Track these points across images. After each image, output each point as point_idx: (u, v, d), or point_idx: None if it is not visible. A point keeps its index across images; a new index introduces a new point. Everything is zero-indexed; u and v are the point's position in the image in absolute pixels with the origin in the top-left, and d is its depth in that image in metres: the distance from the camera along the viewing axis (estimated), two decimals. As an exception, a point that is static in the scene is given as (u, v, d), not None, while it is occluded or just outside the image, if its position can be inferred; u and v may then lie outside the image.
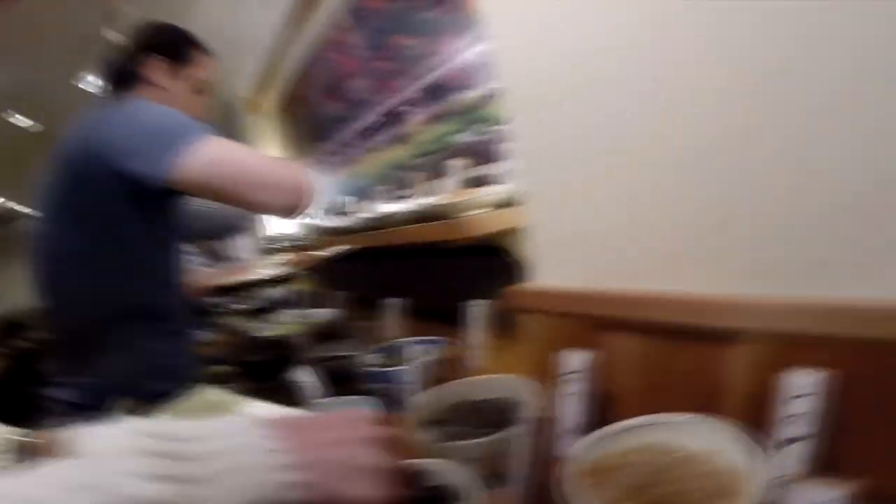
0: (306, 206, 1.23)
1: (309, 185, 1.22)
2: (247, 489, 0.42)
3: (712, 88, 0.77)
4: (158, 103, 1.33)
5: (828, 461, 0.69)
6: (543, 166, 1.06)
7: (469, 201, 1.36)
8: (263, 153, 1.26)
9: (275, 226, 3.03)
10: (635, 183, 0.89)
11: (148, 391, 1.20)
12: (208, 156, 1.14)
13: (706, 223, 0.81)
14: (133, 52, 1.46)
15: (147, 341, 1.34)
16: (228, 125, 5.08)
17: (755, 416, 0.77)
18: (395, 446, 0.56)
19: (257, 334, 2.23)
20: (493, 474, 0.86)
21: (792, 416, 0.69)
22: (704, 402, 0.84)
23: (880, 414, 0.66)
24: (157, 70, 1.44)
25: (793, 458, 0.69)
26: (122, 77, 1.44)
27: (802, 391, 0.68)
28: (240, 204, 1.19)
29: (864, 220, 0.65)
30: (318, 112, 3.48)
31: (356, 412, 0.60)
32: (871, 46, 0.61)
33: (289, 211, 1.22)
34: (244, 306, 3.05)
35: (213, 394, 1.27)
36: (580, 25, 0.92)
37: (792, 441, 0.70)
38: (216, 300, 3.44)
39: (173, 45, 1.50)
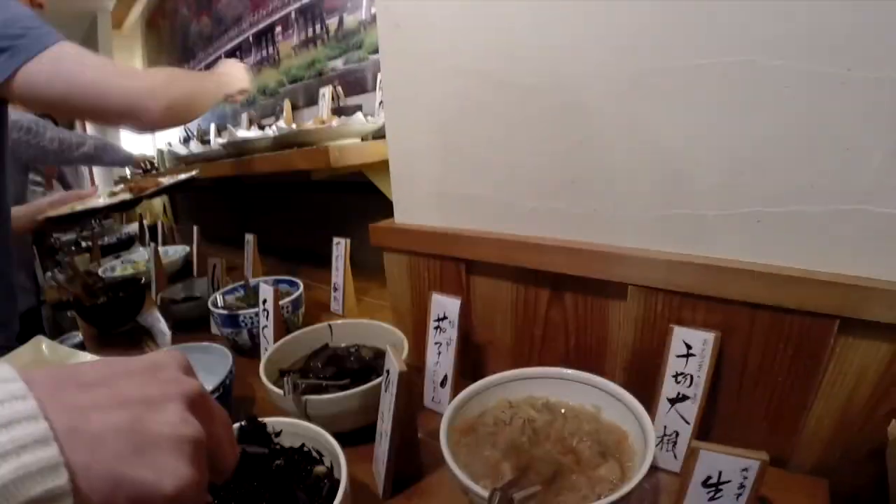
0: (168, 121, 1.07)
1: (167, 98, 1.05)
2: None
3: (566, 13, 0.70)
4: None
5: (713, 420, 0.69)
6: (406, 97, 0.95)
7: (335, 129, 1.25)
8: (118, 63, 1.04)
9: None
10: (504, 118, 0.81)
11: None
12: (55, 66, 0.96)
13: (584, 170, 0.74)
14: None
15: None
16: (89, 41, 4.59)
17: (640, 373, 0.74)
18: (209, 405, 0.39)
19: (106, 274, 2.03)
20: (356, 430, 0.79)
21: (679, 374, 0.66)
22: (585, 355, 0.81)
23: (763, 375, 0.65)
24: None
25: (679, 417, 0.67)
26: None
27: (691, 350, 0.66)
28: (88, 119, 1.03)
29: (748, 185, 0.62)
30: (186, 29, 3.20)
31: (156, 356, 0.40)
32: None
33: (143, 129, 1.06)
34: (91, 244, 2.79)
35: (46, 348, 1.05)
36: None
37: (679, 400, 0.67)
38: (62, 236, 3.11)
39: None
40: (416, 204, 0.99)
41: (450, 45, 0.84)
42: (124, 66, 1.05)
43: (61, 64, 0.97)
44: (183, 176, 1.54)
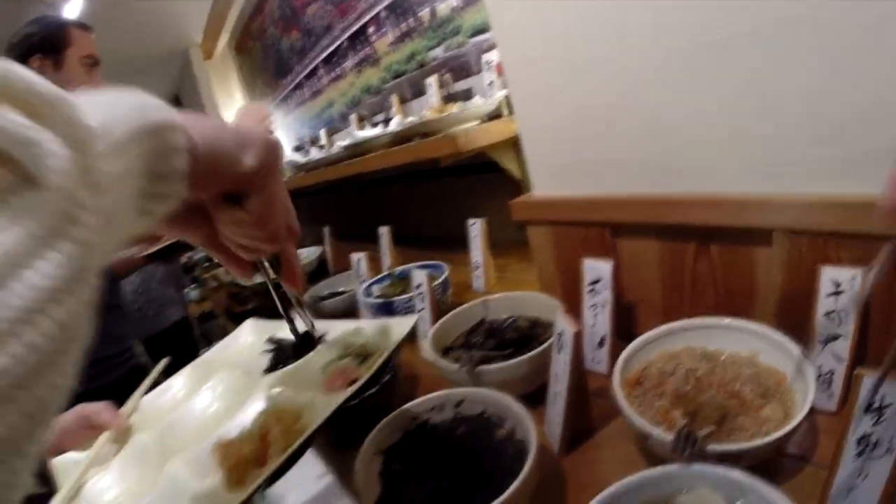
0: None
1: None
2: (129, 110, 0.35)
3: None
4: None
5: (863, 358, 0.68)
6: (533, 69, 0.97)
7: (455, 116, 1.30)
8: None
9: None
10: (638, 77, 0.82)
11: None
12: None
13: (720, 121, 0.75)
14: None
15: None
16: (185, 74, 4.86)
17: (790, 315, 0.74)
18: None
19: (245, 283, 2.17)
20: (527, 394, 0.83)
21: (830, 313, 0.67)
22: (734, 303, 0.82)
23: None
24: (42, 68, 1.42)
25: (832, 356, 0.67)
26: None
27: (840, 288, 0.66)
28: None
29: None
30: (277, 46, 3.33)
31: None
32: None
33: None
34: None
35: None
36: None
37: (831, 339, 0.67)
38: (195, 255, 3.35)
39: (46, 39, 1.47)
40: (552, 175, 1.02)
41: (570, 5, 0.86)
42: None
43: None
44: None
